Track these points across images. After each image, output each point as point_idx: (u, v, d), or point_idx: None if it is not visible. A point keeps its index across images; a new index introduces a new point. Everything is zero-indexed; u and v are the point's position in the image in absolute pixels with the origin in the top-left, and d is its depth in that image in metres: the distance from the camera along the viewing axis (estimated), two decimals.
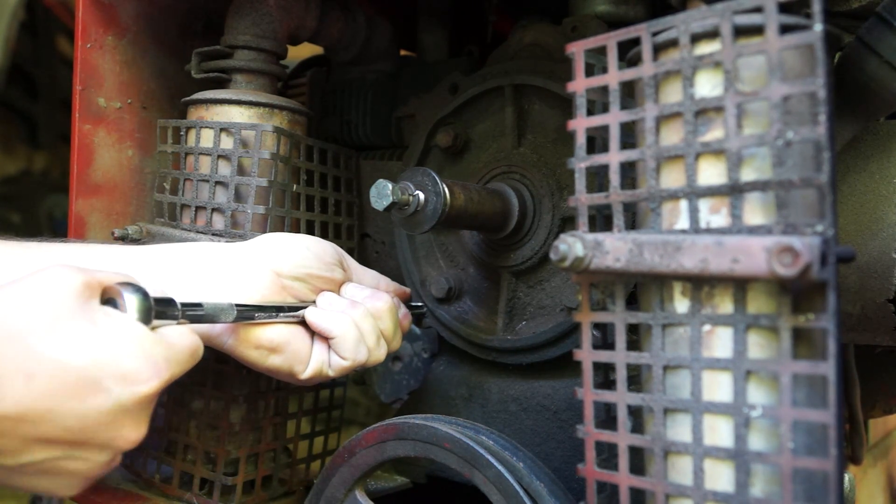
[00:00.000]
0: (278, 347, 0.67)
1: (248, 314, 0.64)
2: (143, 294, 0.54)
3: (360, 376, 1.04)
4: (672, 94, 0.51)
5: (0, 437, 0.46)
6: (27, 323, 0.47)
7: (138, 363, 0.50)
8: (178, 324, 0.57)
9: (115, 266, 0.61)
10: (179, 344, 0.55)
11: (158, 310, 0.55)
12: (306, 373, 0.69)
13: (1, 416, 0.46)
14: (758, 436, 0.47)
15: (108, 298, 0.54)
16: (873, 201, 0.72)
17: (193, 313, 0.59)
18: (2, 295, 0.49)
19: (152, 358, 0.51)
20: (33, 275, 0.50)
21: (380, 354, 0.72)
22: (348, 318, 0.70)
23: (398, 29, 1.09)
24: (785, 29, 0.46)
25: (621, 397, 0.52)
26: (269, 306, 0.67)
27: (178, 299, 0.57)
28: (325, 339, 0.70)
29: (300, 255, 0.71)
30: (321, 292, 0.72)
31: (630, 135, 0.56)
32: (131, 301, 0.53)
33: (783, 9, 0.46)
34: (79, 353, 0.48)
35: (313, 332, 0.70)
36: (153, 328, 0.54)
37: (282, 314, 0.67)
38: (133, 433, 0.52)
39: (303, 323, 0.70)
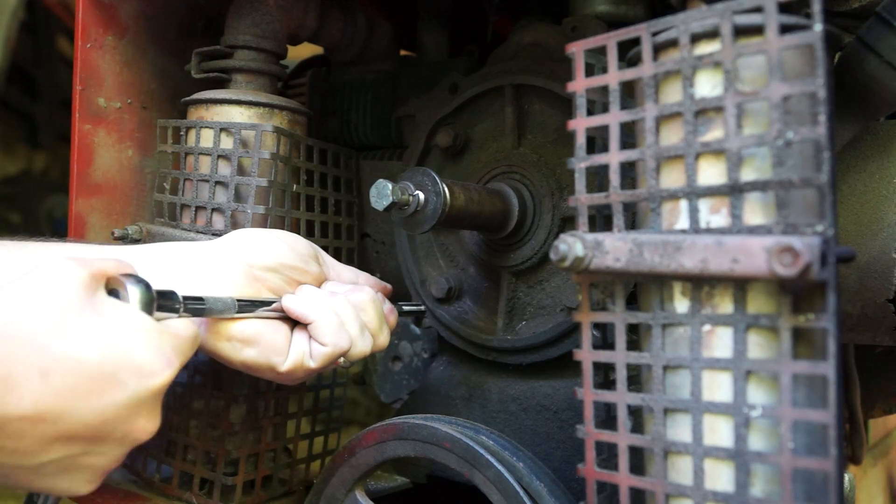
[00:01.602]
0: (250, 339, 0.65)
1: (248, 310, 0.64)
2: (146, 286, 0.54)
3: (360, 376, 1.04)
4: (672, 94, 0.51)
5: (19, 439, 0.46)
6: (37, 320, 0.47)
7: (151, 355, 0.51)
8: (179, 317, 0.57)
9: None
10: (184, 334, 0.55)
11: (161, 302, 0.55)
12: (286, 364, 0.67)
13: (19, 417, 0.45)
14: (758, 436, 0.47)
15: (111, 290, 0.54)
16: (873, 201, 0.72)
17: (195, 307, 0.59)
18: (6, 293, 0.48)
19: (163, 349, 0.52)
20: (36, 270, 0.50)
21: (364, 346, 0.71)
22: (327, 304, 0.69)
23: (398, 29, 1.09)
24: (785, 29, 0.46)
25: (621, 397, 0.52)
26: (263, 300, 0.67)
27: (180, 292, 0.57)
28: (305, 328, 0.69)
29: (272, 245, 0.70)
30: (299, 286, 0.71)
31: (630, 135, 0.56)
32: (134, 293, 0.53)
33: (783, 9, 0.46)
34: (93, 347, 0.48)
35: (294, 326, 0.69)
36: (156, 320, 0.54)
37: (262, 309, 0.66)
38: (149, 424, 0.53)
39: (285, 319, 0.69)
